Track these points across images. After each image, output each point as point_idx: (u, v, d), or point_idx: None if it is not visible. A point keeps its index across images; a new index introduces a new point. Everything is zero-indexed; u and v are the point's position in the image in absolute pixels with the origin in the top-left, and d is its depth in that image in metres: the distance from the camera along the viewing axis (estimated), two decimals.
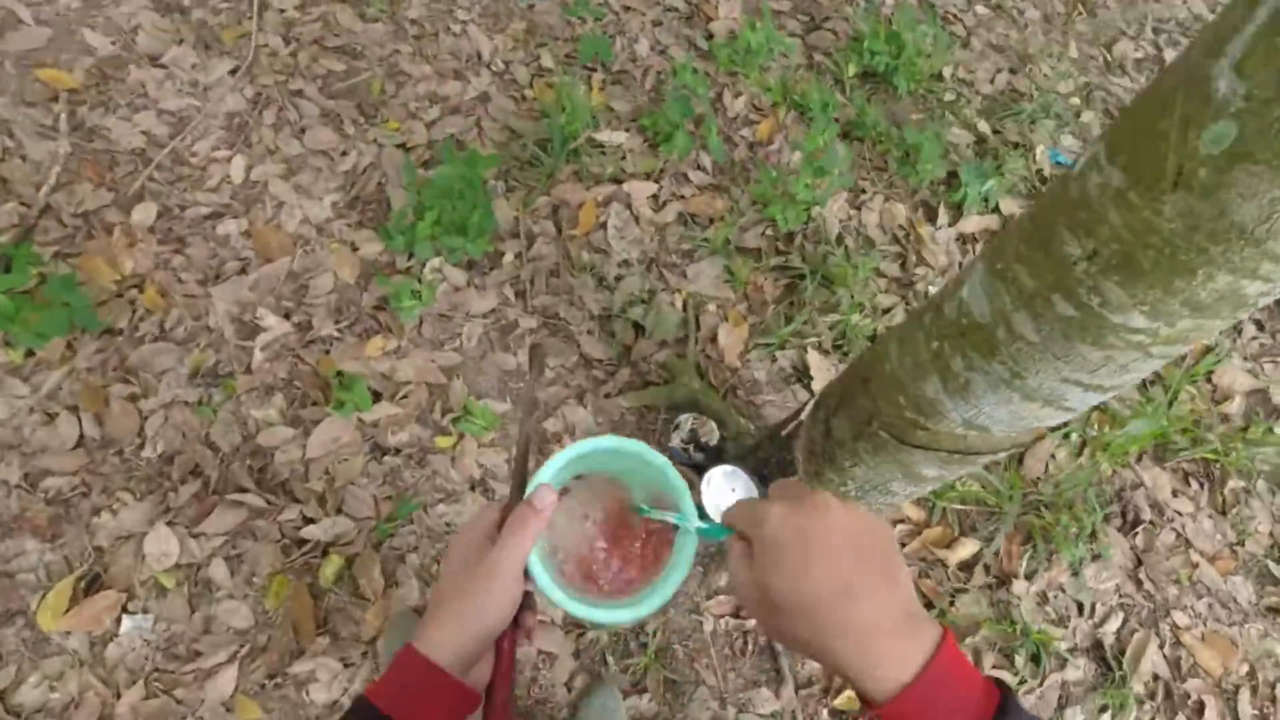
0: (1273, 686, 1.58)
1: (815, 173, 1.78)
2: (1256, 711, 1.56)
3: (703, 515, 0.91)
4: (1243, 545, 1.72)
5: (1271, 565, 1.71)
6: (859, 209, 1.92)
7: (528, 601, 0.54)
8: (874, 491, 1.09)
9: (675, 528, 0.56)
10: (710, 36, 2.08)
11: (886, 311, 1.80)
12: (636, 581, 0.57)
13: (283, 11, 1.81)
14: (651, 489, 0.58)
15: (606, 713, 1.28)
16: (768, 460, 1.40)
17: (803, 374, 1.70)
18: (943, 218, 1.95)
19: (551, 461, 0.55)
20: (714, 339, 1.69)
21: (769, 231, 1.84)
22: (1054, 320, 0.68)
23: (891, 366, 0.92)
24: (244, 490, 1.33)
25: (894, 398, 0.92)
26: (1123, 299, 0.62)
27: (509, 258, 1.65)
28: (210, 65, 1.70)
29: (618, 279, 1.70)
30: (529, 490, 0.54)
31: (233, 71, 1.70)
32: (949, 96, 2.16)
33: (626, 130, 1.88)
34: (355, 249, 1.58)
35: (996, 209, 1.99)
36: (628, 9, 2.07)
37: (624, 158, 1.83)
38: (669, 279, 1.73)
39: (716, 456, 1.52)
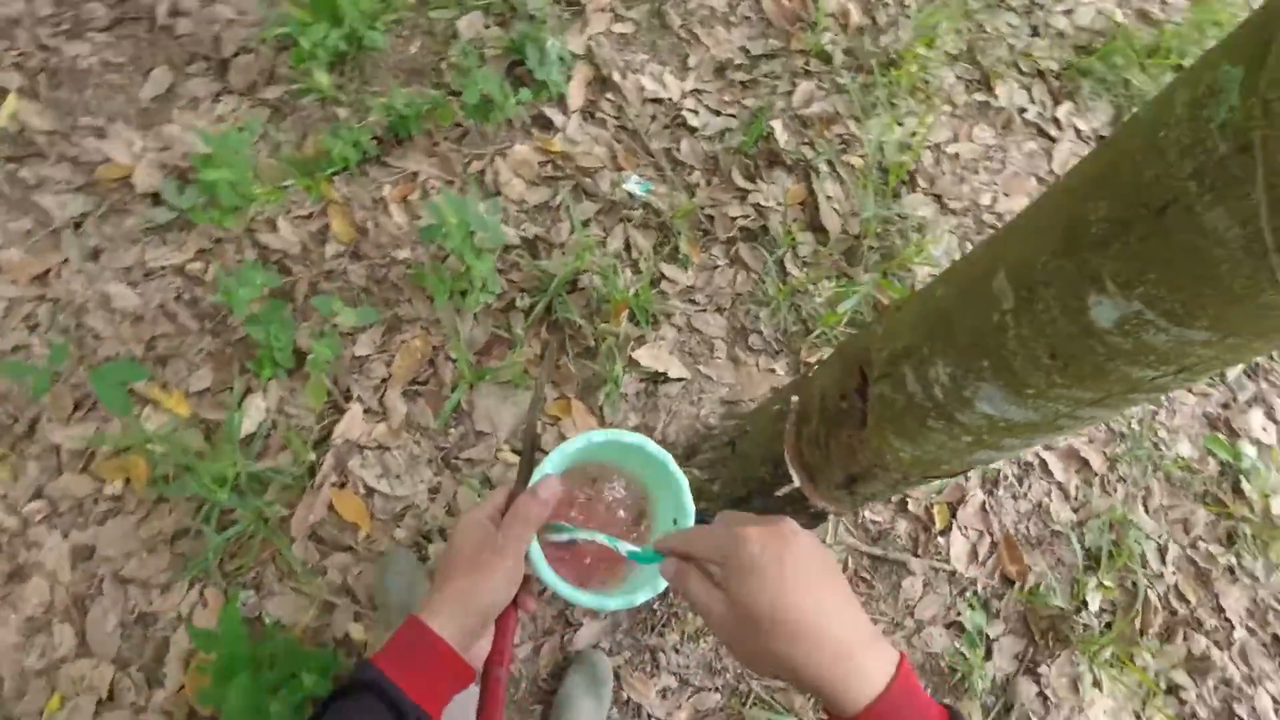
0: None
1: None
2: None
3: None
4: None
5: None
6: None
7: (526, 584, 0.57)
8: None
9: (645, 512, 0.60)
10: None
11: None
12: (602, 573, 0.60)
13: None
14: (653, 482, 0.60)
15: (598, 672, 1.35)
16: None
17: None
18: None
19: (557, 452, 0.56)
20: None
21: None
22: None
23: None
24: None
25: None
26: None
27: None
28: None
29: None
30: (534, 479, 0.56)
31: None
32: None
33: None
34: None
35: None
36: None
37: None
38: None
39: None
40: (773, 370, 1.77)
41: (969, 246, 1.91)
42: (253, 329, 1.44)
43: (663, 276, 1.78)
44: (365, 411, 1.58)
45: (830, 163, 1.92)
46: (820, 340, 1.78)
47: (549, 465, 0.57)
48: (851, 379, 0.93)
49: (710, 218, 1.85)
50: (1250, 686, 1.67)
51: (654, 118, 1.91)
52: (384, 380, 1.62)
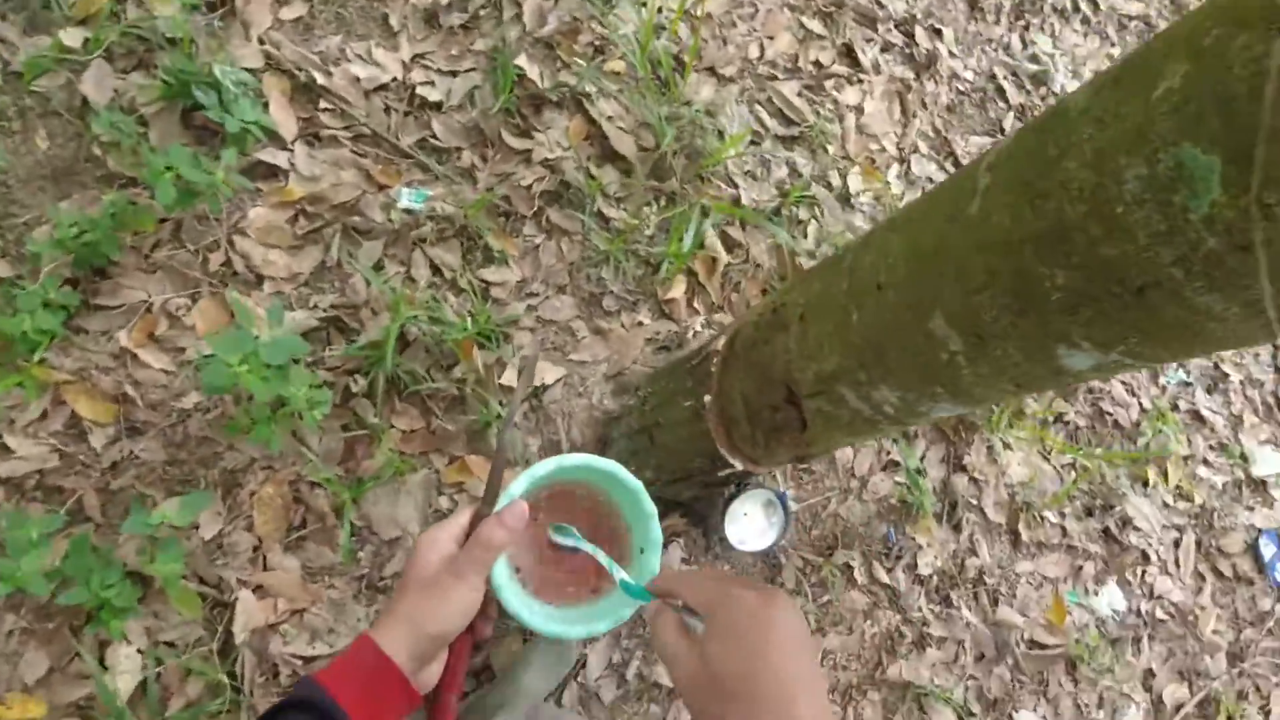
0: None
1: None
2: None
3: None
4: None
5: None
6: None
7: (485, 609, 0.55)
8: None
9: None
10: None
11: None
12: (575, 592, 0.59)
13: None
14: (626, 510, 0.58)
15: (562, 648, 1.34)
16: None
17: None
18: None
19: (525, 475, 0.54)
20: None
21: None
22: None
23: None
24: None
25: None
26: None
27: None
28: None
29: None
30: (501, 502, 0.53)
31: None
32: None
33: None
34: None
35: None
36: None
37: None
38: None
39: None
40: (640, 323, 1.70)
41: (761, 112, 1.85)
42: (70, 597, 1.15)
43: (487, 285, 1.60)
44: (256, 590, 1.36)
45: (595, 81, 1.73)
46: (672, 272, 1.71)
47: (517, 489, 0.55)
48: (776, 392, 0.88)
49: (505, 197, 1.65)
50: (1106, 384, 1.98)
51: (388, 109, 1.61)
52: (256, 547, 1.38)
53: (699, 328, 1.73)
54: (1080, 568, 1.92)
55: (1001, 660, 1.79)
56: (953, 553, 1.83)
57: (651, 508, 0.57)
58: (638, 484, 0.57)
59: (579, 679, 1.48)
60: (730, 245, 1.79)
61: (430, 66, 1.65)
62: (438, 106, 1.64)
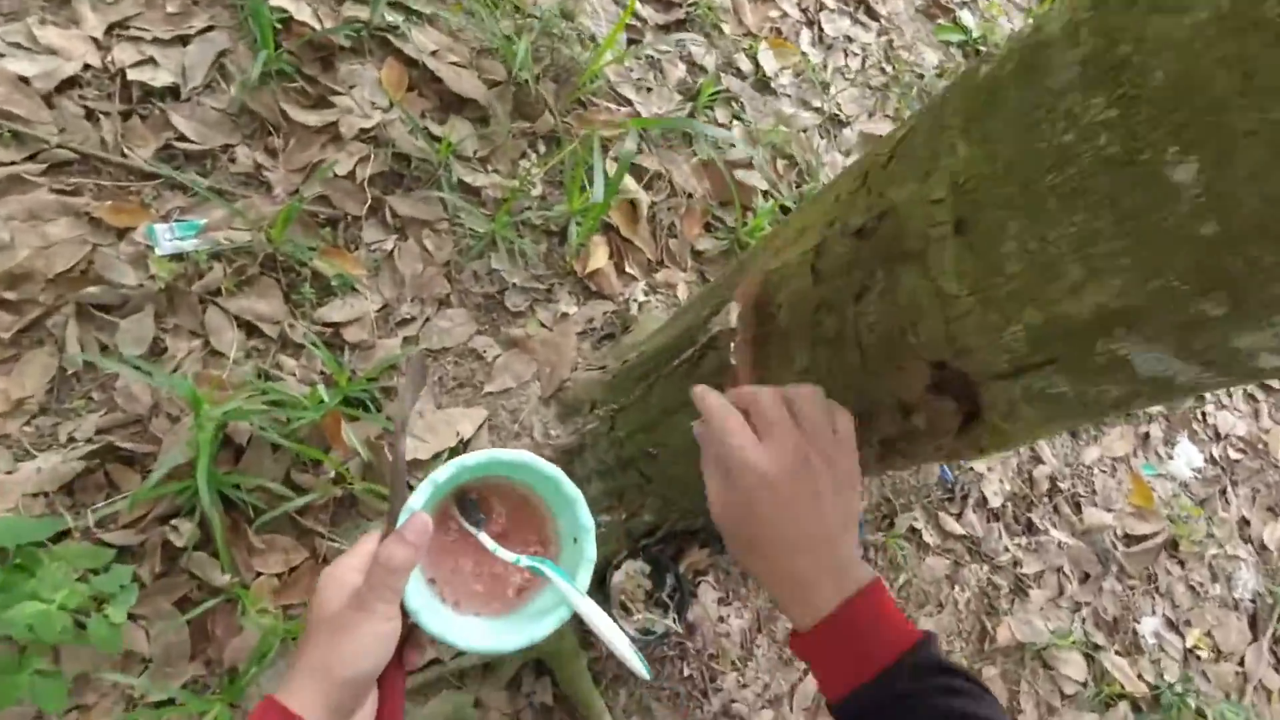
0: None
1: None
2: None
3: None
4: None
5: None
6: None
7: (414, 637, 0.50)
8: None
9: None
10: None
11: None
12: (502, 601, 0.53)
13: None
14: (549, 500, 0.53)
15: None
16: None
17: None
18: None
19: (426, 483, 0.49)
20: None
21: None
22: None
23: None
24: None
25: None
26: None
27: None
28: None
29: None
30: (402, 517, 0.48)
31: None
32: None
33: None
34: None
35: None
36: None
37: None
38: None
39: None
40: (564, 315, 1.23)
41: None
42: None
43: (335, 328, 1.09)
44: None
45: (395, 4, 1.22)
46: (584, 235, 1.25)
47: (417, 501, 0.49)
48: (906, 380, 0.45)
49: (322, 199, 1.13)
50: None
51: (92, 114, 1.05)
52: None
53: (642, 295, 1.28)
54: (1146, 435, 1.64)
55: (1107, 572, 1.48)
56: (1017, 468, 1.50)
57: (575, 492, 0.52)
58: (555, 470, 0.51)
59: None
60: (646, 180, 1.34)
61: (142, 37, 1.09)
62: (173, 93, 1.09)
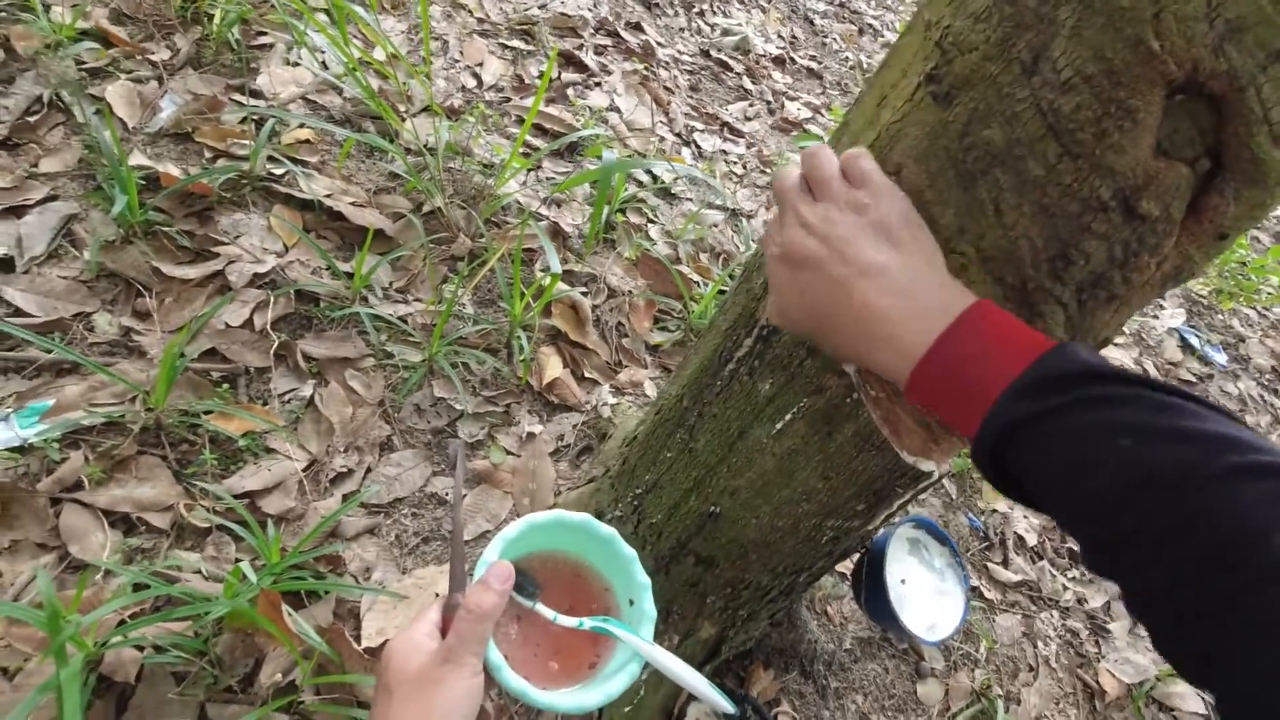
0: None
1: None
2: None
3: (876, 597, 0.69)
4: None
5: None
6: None
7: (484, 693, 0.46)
8: None
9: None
10: None
11: None
12: (567, 669, 0.50)
13: None
14: (605, 565, 0.53)
15: None
16: None
17: None
18: None
19: (499, 539, 0.48)
20: None
21: None
22: None
23: None
24: None
25: None
26: None
27: None
28: None
29: None
30: (478, 573, 0.46)
31: None
32: None
33: None
34: None
35: None
36: None
37: None
38: None
39: None
40: (529, 435, 1.05)
41: (518, 133, 1.40)
42: None
43: (250, 499, 0.84)
44: None
45: (274, 158, 1.13)
46: (534, 346, 1.11)
47: (492, 554, 0.47)
48: (1145, 138, 0.35)
49: (212, 351, 0.92)
50: None
51: None
52: None
53: (610, 398, 1.13)
54: None
55: None
56: None
57: (630, 551, 0.52)
58: (611, 531, 0.51)
59: None
60: (583, 284, 1.25)
61: None
62: (7, 265, 0.89)
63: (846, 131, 0.52)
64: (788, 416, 0.57)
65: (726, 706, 0.49)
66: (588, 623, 0.50)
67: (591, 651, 0.52)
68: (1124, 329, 1.93)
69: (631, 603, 0.52)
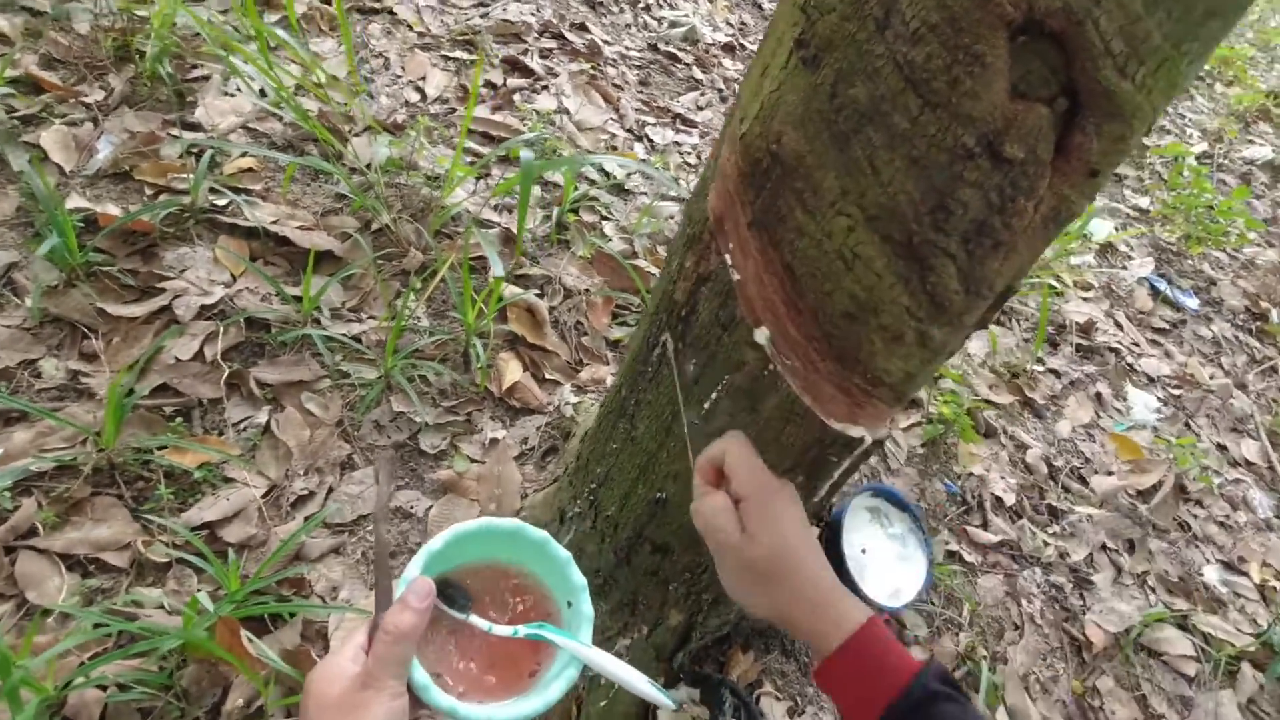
0: None
1: None
2: None
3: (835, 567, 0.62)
4: None
5: None
6: None
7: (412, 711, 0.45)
8: None
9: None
10: None
11: None
12: (513, 687, 0.50)
13: None
14: (541, 570, 0.53)
15: None
16: None
17: None
18: None
19: (420, 553, 0.47)
20: None
21: None
22: None
23: None
24: None
25: None
26: None
27: None
28: None
29: None
30: (398, 591, 0.45)
31: None
32: None
33: None
34: None
35: None
36: None
37: None
38: None
39: None
40: (492, 441, 1.05)
41: (466, 142, 1.40)
42: None
43: (210, 529, 0.83)
44: None
45: (216, 189, 1.12)
46: (492, 352, 1.11)
47: (413, 570, 0.46)
48: (997, 84, 0.35)
49: (164, 387, 0.92)
50: None
51: None
52: None
53: (572, 397, 1.13)
54: (1099, 395, 1.63)
55: (1145, 534, 1.37)
56: (1010, 461, 1.41)
57: (564, 554, 0.52)
58: (543, 534, 0.51)
59: None
60: (538, 288, 1.25)
61: None
62: None
63: (738, 106, 0.52)
64: (714, 395, 0.58)
65: (667, 703, 0.49)
66: (522, 630, 0.49)
67: (531, 660, 0.51)
68: (1092, 282, 1.94)
69: (570, 604, 0.52)
